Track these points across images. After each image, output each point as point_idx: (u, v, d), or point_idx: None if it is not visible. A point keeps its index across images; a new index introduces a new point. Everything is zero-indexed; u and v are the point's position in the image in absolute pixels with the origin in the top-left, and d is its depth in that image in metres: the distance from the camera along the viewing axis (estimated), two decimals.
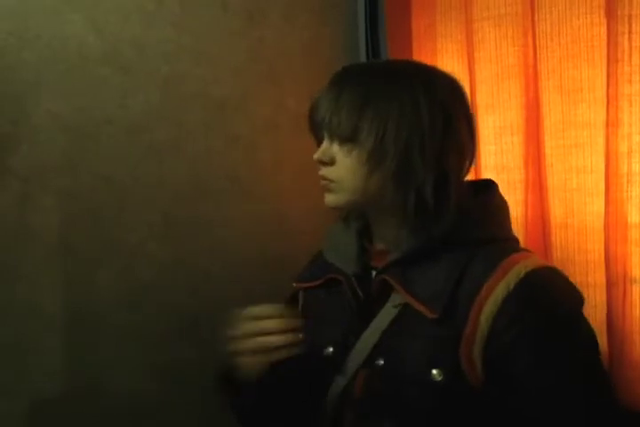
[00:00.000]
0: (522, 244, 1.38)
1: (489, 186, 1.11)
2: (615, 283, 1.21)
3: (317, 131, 1.07)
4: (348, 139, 1.01)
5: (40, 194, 1.33)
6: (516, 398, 0.96)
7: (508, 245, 1.06)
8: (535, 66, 1.36)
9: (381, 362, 1.01)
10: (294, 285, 1.22)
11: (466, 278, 0.98)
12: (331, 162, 1.04)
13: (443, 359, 0.97)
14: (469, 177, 1.44)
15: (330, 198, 1.06)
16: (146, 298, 1.46)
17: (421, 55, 1.61)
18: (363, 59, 1.70)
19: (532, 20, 1.36)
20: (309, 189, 1.64)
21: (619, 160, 1.21)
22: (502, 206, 1.10)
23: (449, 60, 1.55)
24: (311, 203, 1.64)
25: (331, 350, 1.08)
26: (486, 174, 1.46)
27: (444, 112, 1.01)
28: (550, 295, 0.99)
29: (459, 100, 1.05)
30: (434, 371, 0.96)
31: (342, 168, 1.03)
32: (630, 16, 1.21)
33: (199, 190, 1.52)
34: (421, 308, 0.98)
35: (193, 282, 1.51)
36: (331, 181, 1.05)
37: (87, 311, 1.39)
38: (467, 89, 1.45)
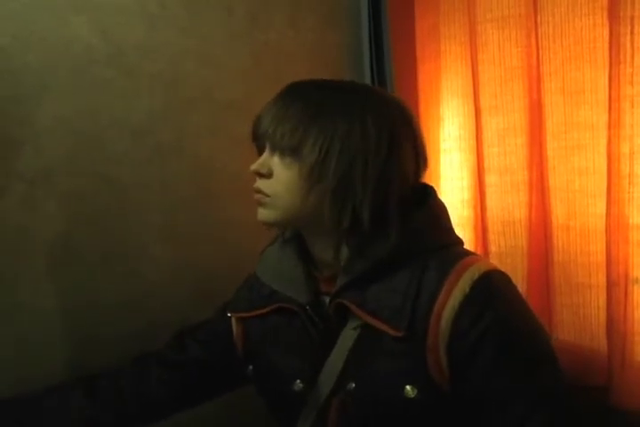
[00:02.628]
0: (525, 246, 1.39)
1: (427, 192, 1.09)
2: (616, 284, 1.21)
3: (259, 141, 1.05)
4: (291, 152, 0.99)
5: (45, 196, 1.34)
6: (476, 399, 0.97)
7: (457, 249, 1.06)
8: (538, 67, 1.36)
9: (352, 385, 1.00)
10: (228, 314, 1.20)
11: (422, 289, 0.98)
12: (268, 174, 1.02)
13: (413, 375, 0.97)
14: (476, 177, 1.47)
15: (263, 214, 1.05)
16: (150, 300, 1.46)
17: (425, 57, 1.61)
18: (367, 62, 1.70)
19: (535, 22, 1.36)
20: None
21: (620, 162, 1.21)
22: (444, 212, 1.10)
23: (452, 62, 1.55)
24: None
25: (299, 383, 1.06)
26: (490, 176, 1.46)
27: (390, 137, 1.00)
28: (506, 296, 1.00)
29: (407, 125, 1.04)
30: (407, 387, 0.96)
31: (279, 182, 1.01)
32: (633, 17, 1.20)
33: (204, 193, 1.52)
34: (384, 327, 0.98)
35: (198, 284, 1.52)
36: (265, 195, 1.03)
37: (91, 314, 1.39)
38: (470, 91, 1.48)
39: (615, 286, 1.21)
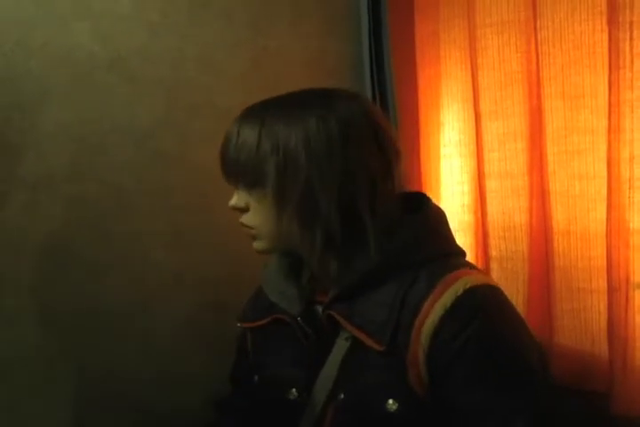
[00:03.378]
0: (525, 251, 1.39)
1: (421, 200, 1.07)
2: (617, 289, 1.21)
3: (227, 177, 1.05)
4: (252, 185, 1.00)
5: (47, 202, 1.35)
6: (454, 412, 0.95)
7: (452, 261, 1.03)
8: (538, 72, 1.36)
9: (342, 396, 1.00)
10: (238, 325, 1.21)
11: (406, 302, 0.97)
12: (245, 208, 1.03)
13: (395, 389, 0.96)
14: (477, 182, 1.47)
15: (256, 245, 1.06)
16: (152, 305, 1.46)
17: (425, 62, 1.62)
18: (367, 68, 1.70)
19: (535, 27, 1.36)
20: None
21: (620, 166, 1.20)
22: (441, 220, 1.07)
23: (452, 67, 1.56)
24: None
25: (294, 391, 1.06)
26: (490, 181, 1.46)
27: (342, 140, 0.97)
28: (489, 312, 0.97)
29: (360, 122, 1.00)
30: (389, 401, 0.96)
31: (256, 214, 1.02)
32: (632, 23, 1.20)
33: (205, 198, 1.53)
34: (368, 341, 0.97)
35: (199, 289, 1.52)
36: (250, 227, 1.04)
37: (94, 320, 1.40)
38: (470, 96, 1.48)
39: (616, 291, 1.21)
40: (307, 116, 0.97)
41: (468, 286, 0.96)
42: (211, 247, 1.54)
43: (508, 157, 1.43)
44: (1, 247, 1.31)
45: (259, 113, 1.01)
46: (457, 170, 1.56)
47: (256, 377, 1.17)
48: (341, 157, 0.97)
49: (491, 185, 1.47)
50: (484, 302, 0.97)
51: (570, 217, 1.33)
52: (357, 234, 0.99)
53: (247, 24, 1.58)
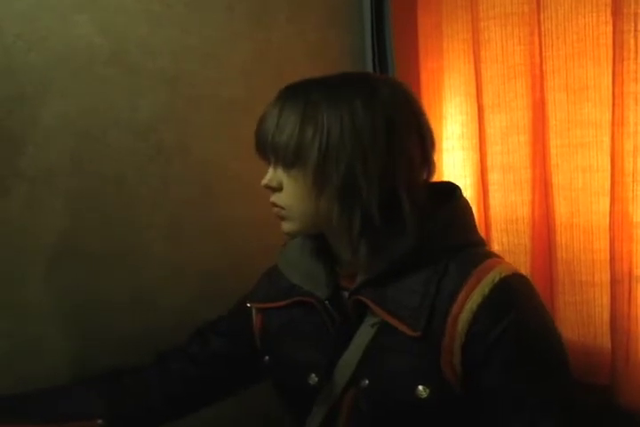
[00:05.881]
0: (528, 244, 1.39)
1: (451, 190, 1.08)
2: (620, 282, 1.20)
3: (262, 155, 1.05)
4: (292, 164, 0.99)
5: (47, 195, 1.34)
6: (486, 402, 0.97)
7: (480, 250, 1.05)
8: (541, 65, 1.35)
9: (366, 382, 1.00)
10: (248, 304, 1.21)
11: (441, 290, 0.97)
12: (279, 187, 1.02)
13: (426, 375, 0.97)
14: (479, 175, 1.47)
15: (285, 226, 1.05)
16: (153, 299, 1.46)
17: (428, 55, 1.61)
18: (369, 60, 1.70)
19: (538, 19, 1.35)
20: None
21: (624, 159, 1.20)
22: (468, 211, 1.08)
23: (455, 60, 1.55)
24: None
25: (314, 376, 1.06)
26: (493, 174, 1.46)
27: (387, 124, 0.98)
28: (525, 301, 0.99)
29: (405, 110, 1.02)
30: (419, 387, 0.96)
31: (290, 194, 1.01)
32: (636, 14, 1.19)
33: (207, 191, 1.53)
34: (401, 326, 0.98)
35: (200, 282, 1.52)
36: (281, 207, 1.03)
37: (95, 313, 1.40)
38: (473, 89, 1.48)
39: (619, 284, 1.21)
40: (352, 97, 0.97)
41: (503, 275, 0.98)
42: (211, 240, 1.53)
43: (510, 151, 1.42)
44: (0, 240, 1.30)
45: (302, 92, 1.00)
46: (459, 163, 1.56)
47: (266, 357, 1.17)
48: (385, 140, 0.98)
49: (493, 178, 1.46)
50: (519, 291, 0.99)
51: (573, 210, 1.33)
52: (391, 219, 0.99)
53: (248, 15, 1.57)
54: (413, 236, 0.99)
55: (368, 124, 0.97)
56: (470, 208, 1.09)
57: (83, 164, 1.37)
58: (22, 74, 1.30)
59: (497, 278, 0.97)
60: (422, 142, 1.04)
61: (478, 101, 1.47)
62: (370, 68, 1.70)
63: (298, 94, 1.00)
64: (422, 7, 1.62)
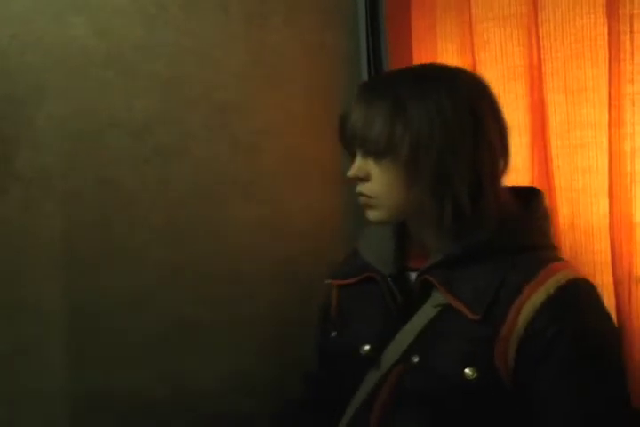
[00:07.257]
0: None
1: (535, 194, 1.11)
2: (620, 282, 1.21)
3: (349, 146, 1.07)
4: (383, 155, 1.01)
5: (43, 197, 1.33)
6: (538, 400, 0.97)
7: (549, 253, 1.07)
8: (540, 66, 1.36)
9: (416, 359, 1.02)
10: (328, 282, 1.23)
11: (507, 282, 1.00)
12: (367, 178, 1.04)
13: (477, 358, 0.98)
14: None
15: (372, 215, 1.06)
16: (150, 301, 1.45)
17: (421, 56, 1.61)
18: (364, 62, 1.70)
19: (536, 21, 1.36)
20: (311, 192, 1.65)
21: (622, 160, 1.21)
22: (547, 216, 1.11)
23: (449, 62, 1.54)
24: (313, 205, 1.65)
25: (367, 348, 1.08)
26: None
27: (471, 114, 1.00)
28: (588, 305, 1.01)
29: (485, 99, 1.05)
30: (467, 370, 0.98)
31: (379, 184, 1.03)
32: (632, 15, 1.20)
33: (202, 193, 1.52)
34: (463, 309, 1.00)
35: (197, 285, 1.51)
36: (369, 197, 1.04)
37: (91, 314, 1.39)
38: None
39: (619, 285, 1.22)
40: (438, 89, 1.00)
41: (570, 277, 1.00)
42: (209, 242, 1.53)
43: (512, 152, 1.42)
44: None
45: (388, 85, 1.03)
46: None
47: (334, 333, 1.19)
48: (472, 130, 1.00)
49: None
50: (583, 295, 1.01)
51: (574, 211, 1.33)
52: (475, 209, 1.01)
53: (244, 18, 1.57)
54: (492, 227, 1.02)
55: (454, 116, 0.99)
56: (549, 214, 1.12)
57: (78, 165, 1.37)
58: (18, 75, 1.29)
59: (564, 280, 0.99)
60: (501, 129, 1.07)
61: None
62: (365, 70, 1.70)
63: (384, 87, 1.03)
64: (416, 9, 1.62)
